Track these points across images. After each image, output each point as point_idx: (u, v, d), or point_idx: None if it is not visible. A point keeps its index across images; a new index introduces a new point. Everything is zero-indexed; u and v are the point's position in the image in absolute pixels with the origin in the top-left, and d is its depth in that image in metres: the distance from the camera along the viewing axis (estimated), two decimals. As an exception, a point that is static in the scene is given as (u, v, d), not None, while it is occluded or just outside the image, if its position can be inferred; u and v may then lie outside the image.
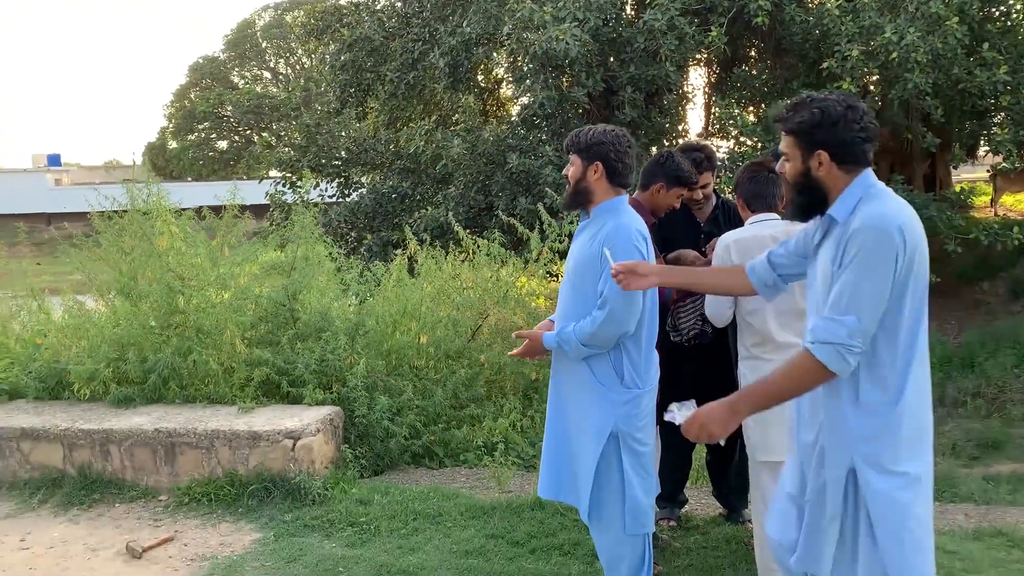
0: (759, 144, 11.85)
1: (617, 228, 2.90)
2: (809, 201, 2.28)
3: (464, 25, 12.37)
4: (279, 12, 42.34)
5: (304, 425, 4.51)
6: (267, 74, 44.52)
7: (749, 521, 3.92)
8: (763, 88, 13.96)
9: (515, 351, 3.19)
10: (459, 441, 5.21)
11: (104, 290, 5.80)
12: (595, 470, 2.90)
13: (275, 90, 40.85)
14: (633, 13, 13.03)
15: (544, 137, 12.25)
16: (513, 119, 13.36)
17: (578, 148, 3.03)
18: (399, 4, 15.45)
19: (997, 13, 12.00)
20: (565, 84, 11.81)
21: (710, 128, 14.78)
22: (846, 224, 2.17)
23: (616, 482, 2.91)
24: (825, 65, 11.07)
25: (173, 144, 41.87)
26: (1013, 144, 11.75)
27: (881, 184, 2.24)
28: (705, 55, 13.55)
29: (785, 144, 2.31)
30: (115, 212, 5.86)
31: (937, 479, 2.62)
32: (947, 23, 10.31)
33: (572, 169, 3.04)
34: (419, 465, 5.07)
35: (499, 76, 15.68)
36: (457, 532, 3.98)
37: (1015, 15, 12.58)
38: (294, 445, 4.43)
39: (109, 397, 5.06)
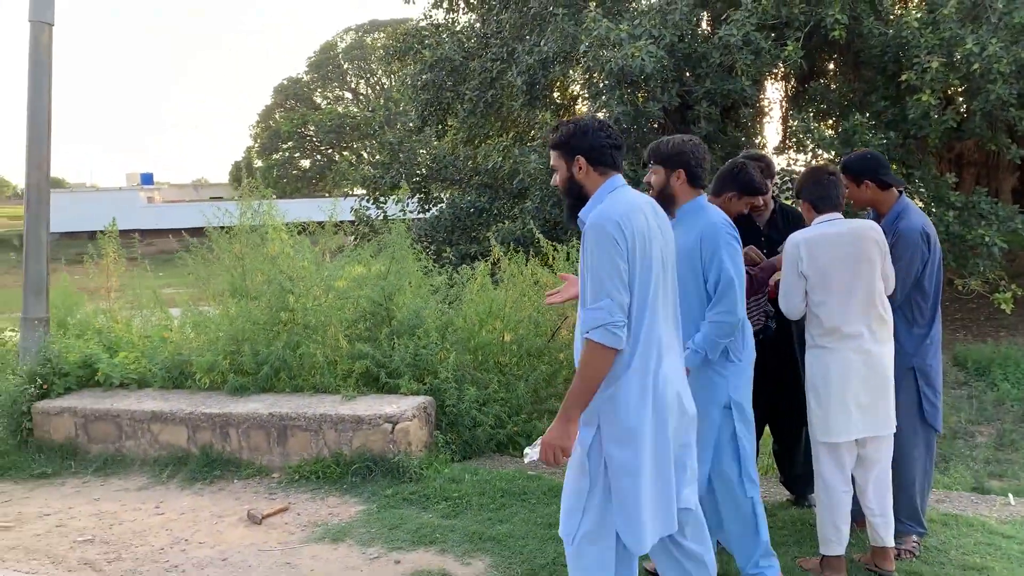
0: (837, 157, 11.90)
1: (712, 224, 3.29)
2: (575, 201, 2.71)
3: (542, 44, 12.77)
4: (360, 34, 43.70)
5: (401, 411, 4.92)
6: (348, 94, 45.92)
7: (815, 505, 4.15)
8: (841, 101, 13.96)
9: (553, 296, 3.43)
10: (540, 432, 5.52)
11: (218, 293, 6.36)
12: (715, 442, 3.27)
13: (356, 110, 42.07)
14: (709, 29, 13.23)
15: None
16: (589, 134, 13.66)
17: (660, 158, 3.41)
18: (478, 25, 15.96)
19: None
20: (640, 99, 12.07)
21: (787, 142, 14.81)
22: (588, 225, 2.60)
23: (733, 450, 3.29)
24: (904, 77, 11.08)
25: (259, 163, 43.49)
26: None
27: (624, 184, 2.72)
28: (782, 69, 13.65)
29: (553, 158, 2.74)
30: (222, 227, 6.44)
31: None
32: (1030, 34, 10.24)
33: (656, 178, 3.41)
34: (503, 453, 5.42)
35: (575, 93, 16.03)
36: (541, 508, 4.35)
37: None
38: (393, 428, 4.85)
39: (226, 386, 5.58)
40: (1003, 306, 10.75)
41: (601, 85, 12.07)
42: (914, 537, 3.95)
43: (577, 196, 2.74)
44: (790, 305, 3.58)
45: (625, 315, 2.54)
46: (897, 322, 3.77)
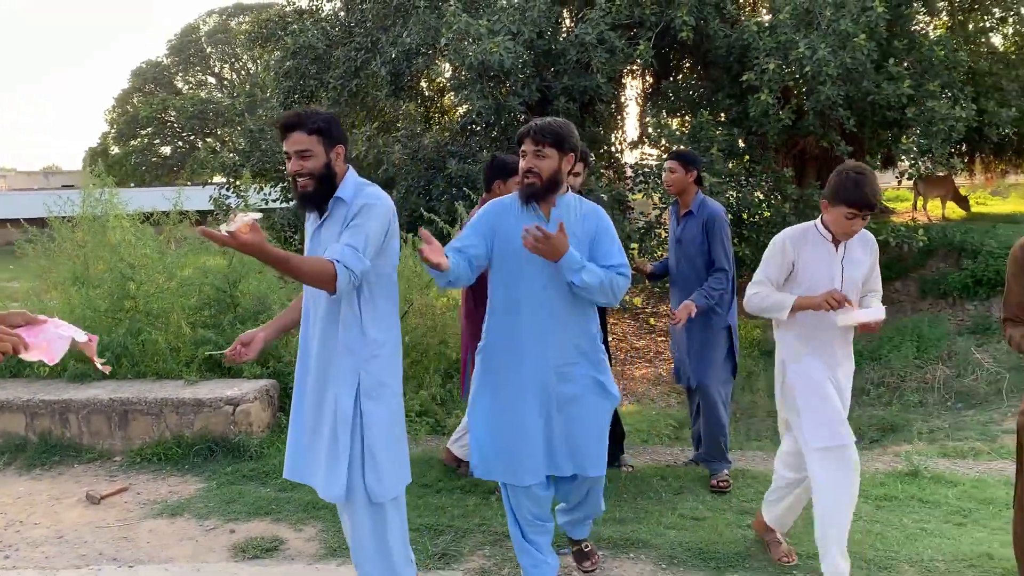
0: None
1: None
2: (329, 188, 2.74)
3: (405, 36, 12.88)
4: (224, 18, 42.31)
5: (243, 394, 5.02)
6: (212, 79, 44.37)
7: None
8: (690, 99, 14.74)
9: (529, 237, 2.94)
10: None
11: (60, 283, 6.22)
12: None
13: (220, 95, 40.74)
14: (572, 25, 13.67)
15: (483, 144, 12.80)
16: (455, 126, 13.89)
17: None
18: (342, 14, 15.88)
19: (901, 31, 12.91)
20: (502, 94, 12.38)
21: (643, 137, 15.47)
22: (352, 203, 2.72)
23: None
24: (745, 77, 11.84)
25: (115, 150, 41.49)
26: (918, 152, 12.69)
27: None
28: (636, 67, 14.27)
29: (308, 143, 2.70)
30: (64, 216, 6.30)
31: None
32: (855, 39, 11.14)
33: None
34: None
35: (441, 84, 16.21)
36: None
37: (917, 32, 13.55)
38: (234, 411, 4.94)
39: (67, 374, 5.49)
40: (833, 291, 11.62)
41: (463, 78, 12.30)
42: (726, 471, 4.64)
43: (331, 183, 2.76)
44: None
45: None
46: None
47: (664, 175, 4.67)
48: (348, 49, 14.38)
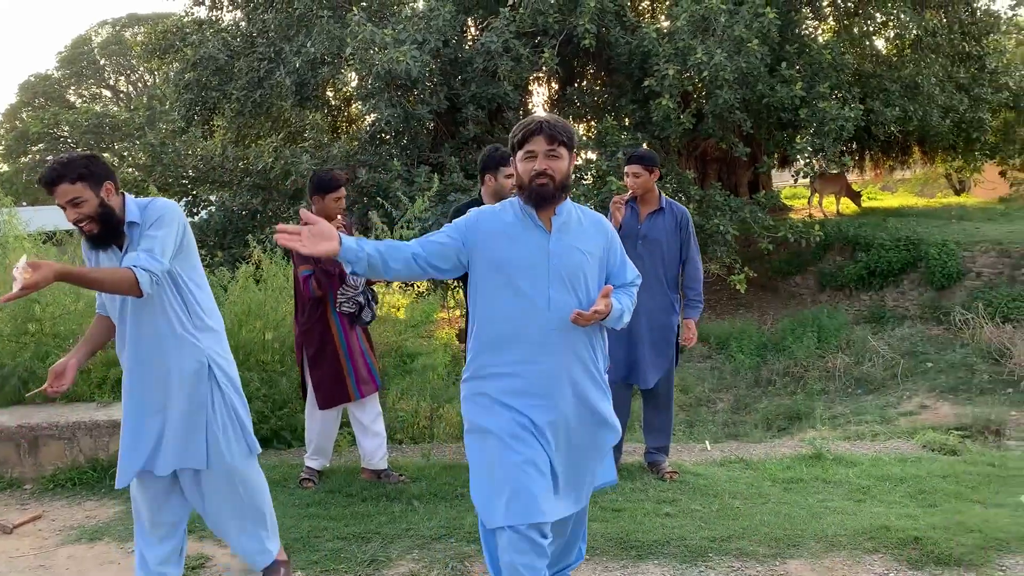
0: (594, 157, 12.87)
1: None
2: (111, 223, 2.92)
3: (308, 45, 12.77)
4: (117, 29, 40.90)
5: (161, 412, 4.90)
6: (107, 92, 42.82)
7: None
8: (595, 105, 15.06)
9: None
10: (303, 423, 5.69)
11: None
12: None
13: (116, 109, 39.33)
14: (478, 34, 13.79)
15: (393, 152, 12.79)
16: (363, 135, 13.82)
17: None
18: (244, 24, 15.62)
19: (792, 36, 13.52)
20: (410, 102, 12.41)
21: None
22: (144, 222, 2.94)
23: None
24: (646, 83, 12.19)
25: (4, 167, 39.59)
26: (811, 151, 13.30)
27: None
28: (543, 74, 14.50)
29: (75, 191, 2.84)
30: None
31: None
32: (749, 44, 11.61)
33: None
34: (268, 447, 5.52)
35: (348, 94, 16.11)
36: (300, 491, 4.61)
37: (806, 36, 14.21)
38: (153, 430, 4.82)
39: (-33, 402, 5.26)
40: (738, 287, 12.11)
41: (370, 87, 12.28)
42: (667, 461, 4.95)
43: (112, 219, 2.92)
44: None
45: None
46: (675, 292, 4.76)
47: (628, 180, 4.70)
48: (251, 60, 14.16)
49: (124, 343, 3.06)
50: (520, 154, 2.74)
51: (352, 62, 12.21)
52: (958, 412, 8.61)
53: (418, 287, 12.49)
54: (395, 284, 9.43)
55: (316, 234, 2.48)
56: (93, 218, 2.87)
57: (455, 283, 14.12)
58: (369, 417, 4.70)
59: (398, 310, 8.05)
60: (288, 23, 14.08)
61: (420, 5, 13.17)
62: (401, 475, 4.76)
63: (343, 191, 4.52)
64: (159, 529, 3.17)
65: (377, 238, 6.95)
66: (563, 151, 2.71)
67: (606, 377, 2.92)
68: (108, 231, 2.92)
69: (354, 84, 14.13)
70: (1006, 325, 10.89)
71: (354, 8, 12.16)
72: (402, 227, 6.87)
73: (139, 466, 3.07)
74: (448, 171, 12.03)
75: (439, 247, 2.72)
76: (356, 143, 13.70)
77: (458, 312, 14.73)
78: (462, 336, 13.69)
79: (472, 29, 14.57)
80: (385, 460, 4.77)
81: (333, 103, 16.48)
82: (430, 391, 6.48)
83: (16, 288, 2.49)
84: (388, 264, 2.64)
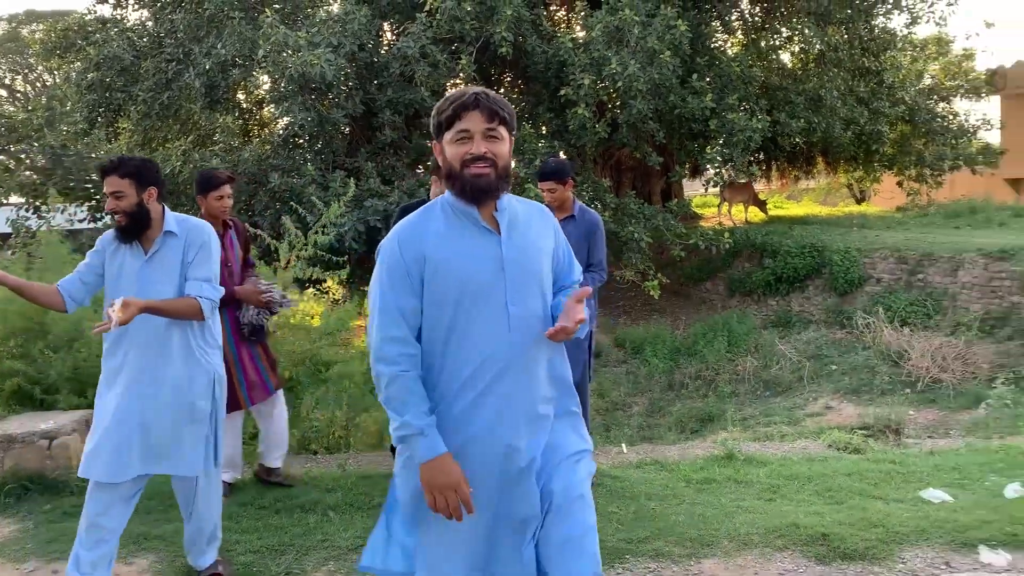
0: (512, 164, 12.91)
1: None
2: (141, 224, 3.18)
3: (219, 47, 12.46)
4: (13, 25, 39.10)
5: (59, 426, 4.71)
6: (2, 92, 40.87)
7: None
8: (514, 112, 15.15)
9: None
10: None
11: None
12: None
13: (12, 109, 37.53)
14: (395, 39, 13.69)
15: (307, 157, 12.58)
16: (276, 139, 13.55)
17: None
18: (150, 24, 15.13)
19: (703, 48, 13.89)
20: (325, 106, 12.24)
21: (469, 149, 15.67)
22: (185, 237, 3.22)
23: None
24: (563, 92, 12.32)
25: None
26: (721, 161, 13.67)
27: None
28: (460, 81, 14.51)
29: (120, 185, 3.16)
30: None
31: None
32: (662, 56, 11.85)
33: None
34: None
35: (260, 97, 15.78)
36: None
37: (716, 49, 14.61)
38: (50, 445, 4.63)
39: None
40: (652, 292, 12.34)
41: (283, 90, 12.06)
42: None
43: (142, 220, 3.21)
44: None
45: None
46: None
47: (546, 196, 4.69)
48: (158, 61, 13.73)
49: (125, 349, 3.20)
50: (450, 135, 2.21)
51: (265, 64, 11.97)
52: (861, 412, 8.95)
53: (333, 294, 12.30)
54: (309, 290, 9.25)
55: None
56: (127, 213, 3.15)
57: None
58: (270, 418, 4.65)
59: (312, 318, 7.90)
60: (198, 24, 13.70)
61: (335, 9, 13.00)
62: (290, 483, 4.68)
63: (226, 189, 4.45)
64: (97, 532, 3.20)
65: (291, 244, 6.83)
66: (503, 131, 2.24)
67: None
68: (135, 228, 3.17)
69: (266, 87, 13.83)
70: (904, 328, 11.38)
71: (266, 10, 11.92)
72: (317, 232, 6.75)
73: (137, 470, 3.20)
74: (364, 176, 11.91)
75: (414, 323, 2.24)
76: (268, 147, 13.43)
77: (375, 319, 14.60)
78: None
79: (388, 34, 14.48)
80: (280, 460, 4.72)
81: (244, 106, 16.10)
82: (346, 400, 6.37)
83: (112, 326, 2.87)
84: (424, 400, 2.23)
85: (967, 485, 4.76)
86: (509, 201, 2.32)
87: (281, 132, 13.55)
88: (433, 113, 2.26)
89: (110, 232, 3.27)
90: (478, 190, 2.19)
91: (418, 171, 13.54)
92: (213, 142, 14.90)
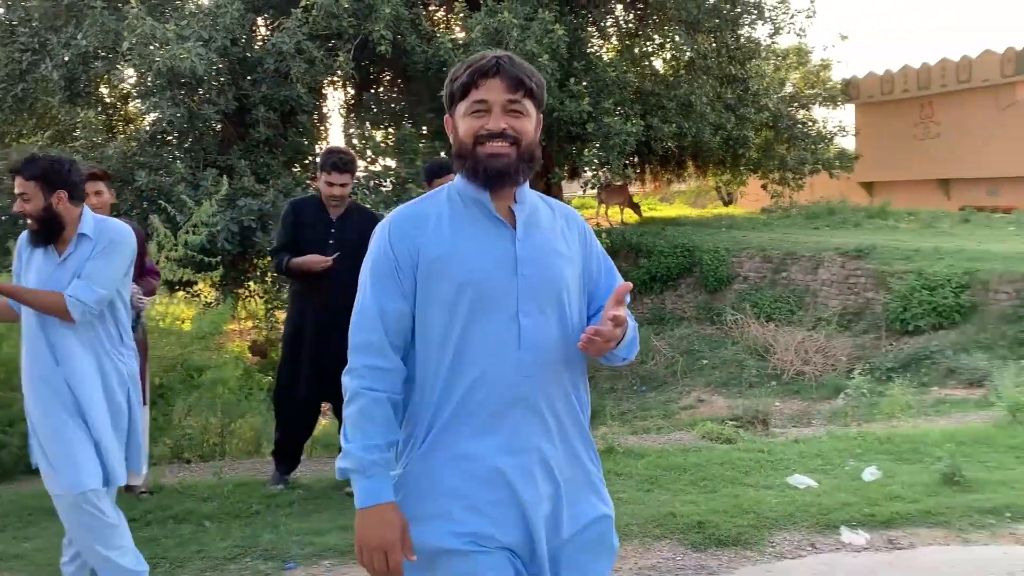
0: (392, 164, 12.84)
1: None
2: (52, 228, 3.01)
3: (79, 37, 11.81)
4: None
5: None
6: None
7: None
8: (394, 111, 15.04)
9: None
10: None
11: None
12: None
13: None
14: (269, 34, 13.32)
15: (177, 154, 12.09)
16: (143, 135, 12.94)
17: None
18: (1, 11, 14.18)
19: (580, 53, 14.19)
20: (195, 102, 11.79)
21: (349, 147, 15.46)
22: (97, 238, 3.02)
23: None
24: (442, 92, 12.30)
25: None
26: (598, 164, 14.01)
27: None
28: (337, 78, 14.27)
29: (25, 187, 2.97)
30: None
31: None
32: (540, 59, 12.02)
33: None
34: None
35: (126, 91, 15.04)
36: None
37: (593, 54, 14.96)
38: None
39: None
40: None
41: (151, 85, 11.56)
42: None
43: (53, 225, 3.00)
44: None
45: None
46: None
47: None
48: (11, 50, 12.89)
49: (38, 348, 3.00)
50: (463, 107, 1.82)
51: (130, 57, 11.42)
52: (730, 404, 9.35)
53: (205, 296, 11.86)
54: (179, 293, 8.89)
55: None
56: (35, 218, 2.97)
57: (247, 292, 13.54)
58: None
59: (183, 322, 7.60)
60: (55, 12, 12.93)
61: (205, 1, 12.54)
62: (144, 492, 4.50)
63: (99, 185, 4.23)
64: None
65: (159, 244, 6.54)
66: (529, 105, 1.82)
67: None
68: (46, 233, 3.00)
69: (132, 81, 13.20)
70: (769, 324, 11.96)
71: (131, 0, 11.37)
72: (188, 232, 6.49)
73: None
74: (238, 175, 11.53)
75: (398, 329, 1.81)
76: (135, 144, 12.80)
77: (250, 323, 14.15)
78: (255, 349, 13.15)
79: (262, 29, 14.09)
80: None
81: (108, 100, 15.31)
82: (220, 406, 6.16)
83: None
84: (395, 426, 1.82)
85: (829, 470, 5.04)
86: (532, 196, 1.92)
87: (148, 128, 12.96)
88: (447, 80, 1.87)
89: (26, 233, 3.10)
90: (493, 173, 1.78)
91: (294, 170, 13.24)
92: (74, 138, 14.05)
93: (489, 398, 1.77)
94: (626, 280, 1.88)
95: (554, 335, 1.81)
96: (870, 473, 4.86)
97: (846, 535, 4.01)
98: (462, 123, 1.83)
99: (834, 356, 10.85)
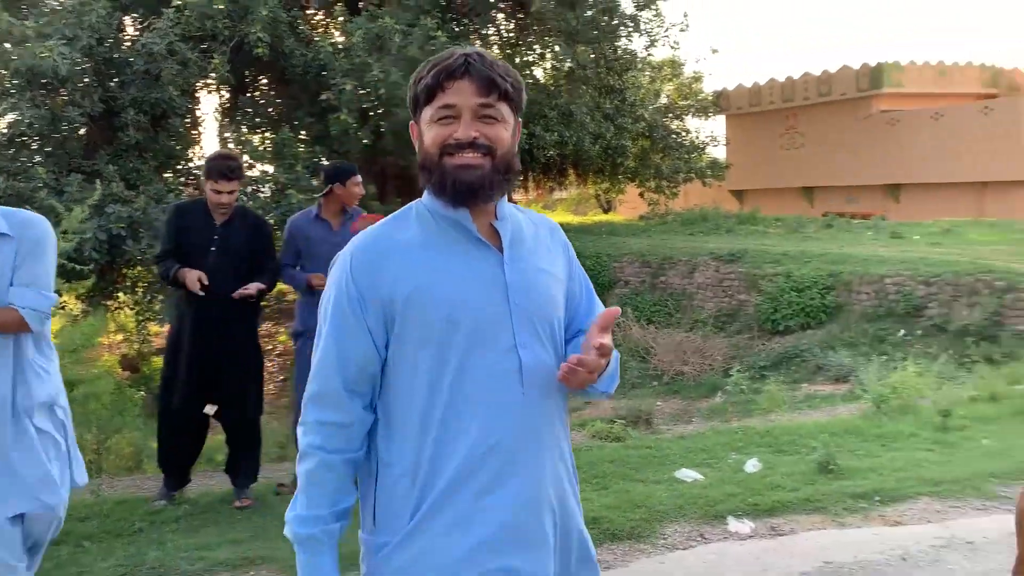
0: (271, 170, 12.50)
1: None
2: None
3: (-74, 32, 10.97)
4: None
5: None
6: None
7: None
8: (272, 115, 14.66)
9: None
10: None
11: None
12: None
13: None
14: (138, 34, 12.76)
15: (37, 158, 11.40)
16: (-2, 138, 12.13)
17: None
18: None
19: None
20: (58, 103, 11.16)
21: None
22: (19, 236, 2.55)
23: None
24: (323, 97, 12.11)
25: None
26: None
27: None
28: (213, 81, 13.81)
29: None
30: None
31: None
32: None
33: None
34: None
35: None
36: None
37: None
38: None
39: None
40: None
41: (9, 85, 10.86)
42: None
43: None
44: None
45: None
46: None
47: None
48: None
49: None
50: (429, 112, 1.57)
51: (-17, 55, 10.70)
52: (616, 405, 9.56)
53: (72, 308, 11.21)
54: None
55: None
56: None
57: (116, 304, 12.87)
58: None
59: (53, 336, 7.17)
60: None
61: (68, -2, 11.90)
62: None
63: None
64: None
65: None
66: (505, 110, 1.59)
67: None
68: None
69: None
70: (650, 327, 12.34)
71: (-14, -6, 10.68)
72: (58, 239, 6.12)
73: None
74: (106, 180, 10.96)
75: (363, 374, 1.58)
76: (-11, 147, 11.99)
77: (119, 337, 13.45)
78: (126, 363, 12.51)
79: (131, 28, 13.49)
80: None
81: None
82: (95, 422, 5.84)
83: None
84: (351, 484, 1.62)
85: (714, 464, 5.24)
86: (511, 209, 1.69)
87: (5, 131, 12.15)
88: (411, 81, 1.62)
89: None
90: (463, 187, 1.54)
91: (166, 175, 12.71)
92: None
93: (496, 451, 1.54)
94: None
95: (552, 366, 1.60)
96: (752, 465, 5.08)
97: (732, 524, 4.18)
98: (428, 131, 1.57)
99: (711, 356, 11.29)
